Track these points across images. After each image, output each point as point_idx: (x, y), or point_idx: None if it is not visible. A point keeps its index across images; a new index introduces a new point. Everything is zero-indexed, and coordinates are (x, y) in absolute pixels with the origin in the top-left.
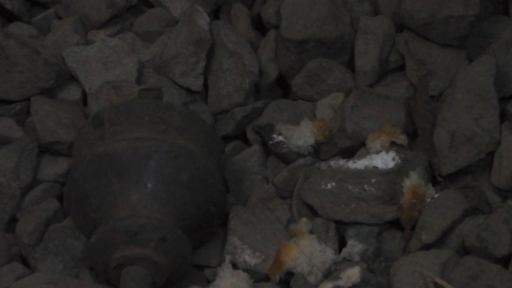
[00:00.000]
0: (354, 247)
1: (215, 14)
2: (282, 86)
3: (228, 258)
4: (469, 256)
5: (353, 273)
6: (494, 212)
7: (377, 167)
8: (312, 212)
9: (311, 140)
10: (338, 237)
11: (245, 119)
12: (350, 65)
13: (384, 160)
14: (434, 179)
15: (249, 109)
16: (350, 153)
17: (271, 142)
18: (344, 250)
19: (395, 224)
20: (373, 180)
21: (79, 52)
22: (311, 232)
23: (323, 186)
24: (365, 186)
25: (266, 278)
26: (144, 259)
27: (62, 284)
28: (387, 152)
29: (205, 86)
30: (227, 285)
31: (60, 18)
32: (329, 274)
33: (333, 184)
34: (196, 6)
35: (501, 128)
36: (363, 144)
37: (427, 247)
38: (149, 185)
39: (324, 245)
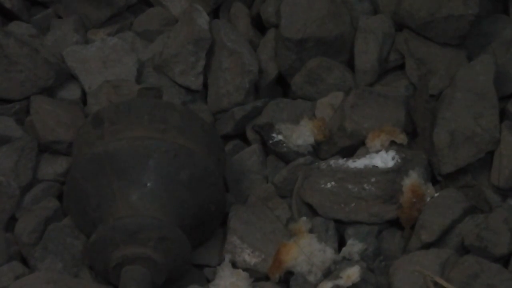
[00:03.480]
0: (353, 246)
1: (214, 13)
2: (282, 85)
3: (227, 257)
4: (468, 255)
5: (353, 273)
6: (494, 211)
7: (376, 166)
8: (312, 211)
9: (310, 139)
10: (338, 236)
11: (245, 118)
12: (350, 64)
13: (384, 159)
14: (433, 178)
15: (249, 108)
16: (349, 152)
17: (270, 141)
18: (344, 249)
19: (395, 223)
20: (373, 179)
21: (79, 51)
22: (311, 231)
23: (322, 185)
24: (365, 185)
25: (266, 277)
26: (143, 258)
27: (61, 283)
28: (386, 151)
29: (205, 85)
30: (227, 284)
31: (59, 17)
32: (329, 273)
33: (333, 183)
34: (196, 5)
35: (501, 127)
36: (362, 143)
37: (426, 246)
38: (148, 185)
39: (324, 244)
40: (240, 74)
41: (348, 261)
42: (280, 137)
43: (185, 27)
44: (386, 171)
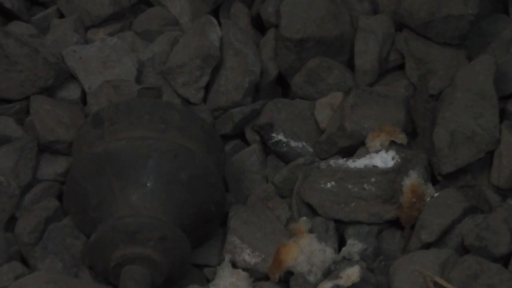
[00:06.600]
0: (353, 246)
1: (214, 13)
2: (282, 85)
3: (227, 257)
4: (468, 255)
5: (353, 272)
6: (494, 211)
7: (376, 166)
8: (312, 211)
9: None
10: (338, 236)
11: (243, 120)
12: (350, 64)
13: (384, 159)
14: (433, 178)
15: (248, 111)
16: (349, 152)
17: (270, 141)
18: (344, 249)
19: (395, 223)
20: (373, 179)
21: (79, 51)
22: (311, 231)
23: (322, 185)
24: (365, 185)
25: (266, 277)
26: (143, 258)
27: (61, 283)
28: (386, 151)
29: (205, 87)
30: (227, 284)
31: (61, 14)
32: (329, 273)
33: (333, 183)
34: (211, 18)
35: (501, 127)
36: (362, 143)
37: (426, 246)
38: (148, 184)
39: (324, 244)
40: (241, 73)
41: (348, 261)
42: (280, 136)
43: (197, 38)
44: (386, 171)
